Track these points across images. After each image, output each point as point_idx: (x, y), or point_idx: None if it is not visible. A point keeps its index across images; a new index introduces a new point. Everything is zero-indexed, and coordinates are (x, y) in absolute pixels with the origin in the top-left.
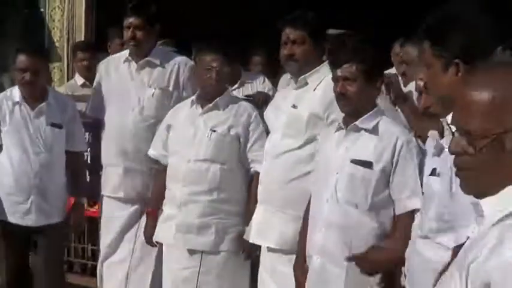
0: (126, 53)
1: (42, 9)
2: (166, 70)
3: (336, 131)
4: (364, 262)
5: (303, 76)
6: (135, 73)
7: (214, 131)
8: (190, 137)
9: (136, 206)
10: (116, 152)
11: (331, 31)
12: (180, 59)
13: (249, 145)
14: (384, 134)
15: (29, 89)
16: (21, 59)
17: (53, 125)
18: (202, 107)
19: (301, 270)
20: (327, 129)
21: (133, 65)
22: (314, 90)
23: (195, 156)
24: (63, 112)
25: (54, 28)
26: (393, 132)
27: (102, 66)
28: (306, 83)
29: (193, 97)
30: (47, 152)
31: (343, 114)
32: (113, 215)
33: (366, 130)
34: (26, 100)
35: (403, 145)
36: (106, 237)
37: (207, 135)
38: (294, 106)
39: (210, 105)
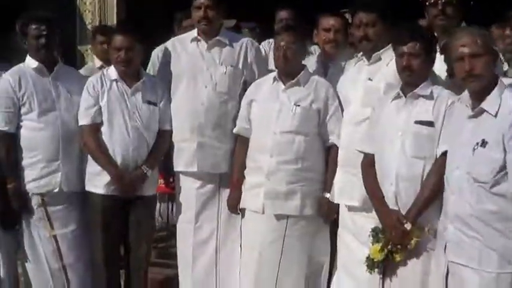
0: (192, 33)
1: None
2: (235, 49)
3: (393, 100)
4: None
5: (376, 53)
6: (206, 52)
7: (298, 105)
8: (275, 111)
9: (212, 182)
10: (190, 127)
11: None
12: (246, 39)
13: (327, 118)
14: (438, 98)
15: (125, 67)
16: (117, 38)
17: (149, 102)
18: (284, 83)
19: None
20: (382, 100)
21: (203, 44)
22: (387, 65)
23: (281, 129)
24: (156, 91)
25: (85, 11)
26: (444, 95)
27: (166, 48)
28: (379, 59)
29: (275, 74)
30: (144, 128)
31: None
32: (190, 190)
33: (423, 96)
34: (123, 78)
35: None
36: (185, 213)
37: (292, 109)
38: (370, 79)
39: (293, 81)
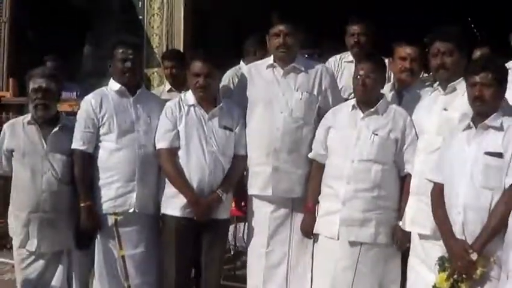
0: (268, 60)
1: (140, 17)
2: (310, 76)
3: (464, 130)
4: None
5: (452, 83)
6: (281, 78)
7: (377, 134)
8: (353, 139)
9: (285, 206)
10: (266, 152)
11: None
12: (321, 66)
13: (404, 148)
14: (508, 129)
15: (203, 93)
16: (196, 64)
17: (225, 127)
18: (362, 111)
19: (454, 240)
20: (453, 130)
21: (279, 70)
22: (463, 95)
23: (359, 157)
24: (232, 117)
25: (153, 35)
26: None
27: (242, 74)
28: (455, 89)
29: (353, 101)
30: (220, 153)
31: None
32: (264, 214)
33: (493, 127)
34: (200, 103)
35: None
36: (258, 237)
37: (370, 137)
38: (445, 109)
39: (372, 110)
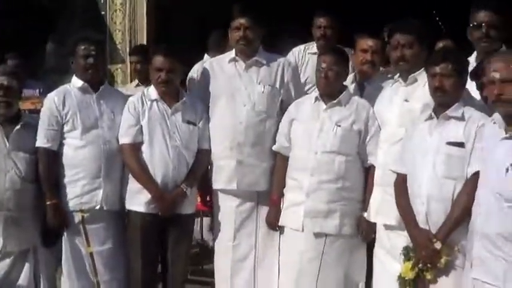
0: (230, 54)
1: (103, 12)
2: (272, 69)
3: (425, 120)
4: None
5: (412, 75)
6: (243, 72)
7: (339, 125)
8: (316, 131)
9: (251, 200)
10: (229, 146)
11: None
12: (283, 59)
13: (367, 139)
14: (469, 119)
15: (165, 88)
16: (157, 59)
17: (188, 122)
18: (325, 103)
19: (418, 230)
20: (415, 120)
21: (241, 64)
22: (424, 86)
23: (322, 148)
24: (196, 111)
25: (115, 30)
26: (475, 117)
27: (205, 68)
28: (416, 80)
29: (316, 93)
30: (183, 147)
31: None
32: (229, 208)
33: (454, 117)
34: (163, 98)
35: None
36: (224, 231)
37: (333, 129)
38: (406, 100)
39: (334, 101)
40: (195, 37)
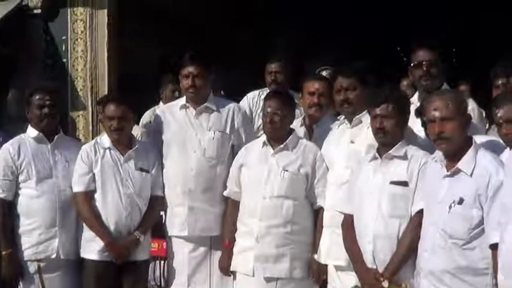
0: (181, 100)
1: (64, 60)
2: (222, 115)
3: (370, 161)
4: None
5: (357, 117)
6: (194, 118)
7: (287, 170)
8: (264, 176)
9: (204, 245)
10: (181, 192)
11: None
12: (233, 105)
13: (315, 182)
14: (412, 158)
15: (117, 135)
16: (109, 107)
17: (141, 169)
18: (273, 148)
19: (365, 269)
20: (361, 161)
21: (191, 111)
22: (368, 127)
23: (270, 193)
24: (148, 158)
25: (77, 77)
26: (418, 155)
27: (157, 115)
28: (360, 122)
29: (264, 138)
30: (136, 195)
31: None
32: (182, 254)
33: (397, 157)
34: (116, 146)
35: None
36: (178, 277)
37: (280, 174)
38: (352, 142)
39: (281, 146)
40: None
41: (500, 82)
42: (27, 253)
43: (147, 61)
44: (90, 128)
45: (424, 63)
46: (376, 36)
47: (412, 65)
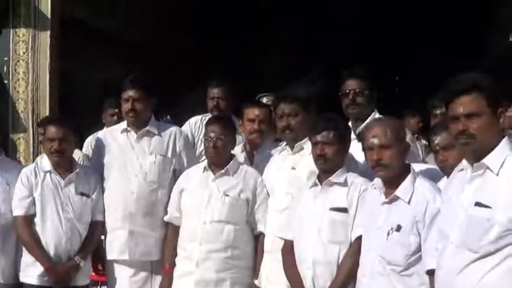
0: (122, 124)
1: (5, 81)
2: (164, 139)
3: (310, 187)
4: None
5: (299, 143)
6: (135, 142)
7: (227, 195)
8: (205, 201)
9: (144, 269)
10: (121, 216)
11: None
12: (175, 128)
13: (255, 208)
14: (352, 185)
15: (58, 158)
16: (50, 129)
17: (82, 194)
18: (213, 173)
19: None
20: (301, 188)
21: (132, 134)
22: (309, 154)
23: (210, 218)
24: (89, 182)
25: (18, 99)
26: (358, 182)
27: (98, 139)
28: (302, 148)
29: (205, 163)
30: (76, 219)
31: None
32: (123, 279)
33: (337, 183)
34: (56, 169)
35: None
36: None
37: (221, 199)
38: (293, 168)
39: (222, 171)
40: (99, 103)
41: (438, 112)
42: None
43: (90, 83)
44: (31, 150)
45: (350, 91)
46: None
47: (340, 94)
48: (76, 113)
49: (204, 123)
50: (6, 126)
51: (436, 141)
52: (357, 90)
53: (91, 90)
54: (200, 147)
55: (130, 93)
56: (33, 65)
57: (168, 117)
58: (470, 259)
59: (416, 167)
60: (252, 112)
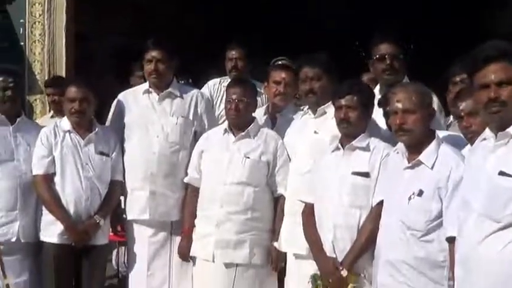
0: (144, 85)
1: (22, 43)
2: (185, 101)
3: (333, 151)
4: None
5: (321, 107)
6: (157, 103)
7: (248, 157)
8: (225, 162)
9: (164, 230)
10: (142, 176)
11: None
12: (196, 91)
13: (276, 170)
14: (374, 149)
15: (78, 118)
16: (71, 89)
17: (101, 153)
18: (234, 135)
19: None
20: (323, 151)
21: (154, 96)
22: (332, 118)
23: (231, 180)
24: (109, 142)
25: (34, 61)
26: (380, 147)
27: (119, 100)
28: (325, 112)
29: (225, 125)
30: (96, 178)
31: None
32: (142, 239)
33: (360, 148)
34: (76, 129)
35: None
36: (138, 261)
37: (242, 161)
38: (316, 132)
39: (243, 133)
40: (114, 67)
41: (458, 79)
42: None
43: (105, 46)
44: (47, 112)
45: (387, 56)
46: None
47: (374, 58)
48: (91, 77)
49: (223, 85)
50: (23, 88)
51: (461, 107)
52: (394, 54)
53: (106, 54)
54: (219, 110)
55: (153, 53)
56: (49, 27)
57: (190, 80)
58: (493, 229)
59: (441, 133)
60: (279, 75)
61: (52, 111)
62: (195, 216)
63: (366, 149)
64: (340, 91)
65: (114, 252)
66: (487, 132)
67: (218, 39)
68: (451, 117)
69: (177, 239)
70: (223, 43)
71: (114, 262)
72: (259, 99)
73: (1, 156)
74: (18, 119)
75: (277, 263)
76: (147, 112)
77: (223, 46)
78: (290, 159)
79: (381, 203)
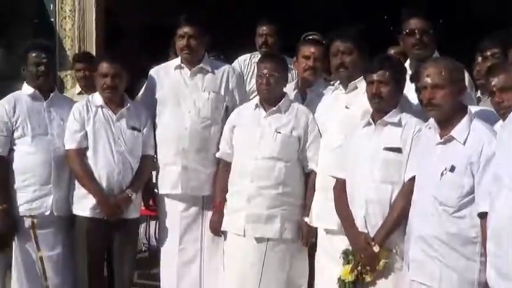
0: (176, 61)
1: (52, 19)
2: (217, 76)
3: (364, 126)
4: None
5: (353, 82)
6: (188, 79)
7: (279, 132)
8: (257, 137)
9: (196, 204)
10: (174, 151)
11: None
12: (228, 66)
13: (307, 145)
14: (406, 125)
15: (110, 94)
16: (103, 65)
17: (133, 128)
18: (265, 110)
19: (357, 233)
20: (354, 127)
21: (186, 71)
22: (364, 93)
23: (262, 155)
24: (140, 117)
25: (65, 37)
26: (412, 123)
27: (151, 76)
28: (356, 88)
29: (256, 100)
30: (128, 153)
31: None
32: (174, 213)
33: (391, 123)
34: (108, 104)
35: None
36: (170, 235)
37: (273, 136)
38: (347, 107)
39: (274, 108)
40: (144, 44)
41: (489, 53)
42: (22, 209)
43: (134, 22)
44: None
45: (416, 31)
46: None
47: (404, 33)
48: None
49: (254, 60)
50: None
51: (493, 83)
52: (424, 29)
53: (134, 30)
54: (249, 85)
55: (186, 29)
56: (79, 3)
57: (222, 56)
58: None
59: (473, 108)
60: (308, 49)
61: (79, 88)
62: (226, 191)
63: (398, 124)
64: (373, 66)
65: (142, 226)
66: None
67: (250, 18)
68: (479, 92)
69: (209, 214)
70: (254, 21)
71: (142, 236)
72: (289, 74)
73: (35, 131)
74: (51, 94)
75: (307, 238)
76: (178, 87)
77: (254, 24)
78: (321, 135)
79: (412, 179)
